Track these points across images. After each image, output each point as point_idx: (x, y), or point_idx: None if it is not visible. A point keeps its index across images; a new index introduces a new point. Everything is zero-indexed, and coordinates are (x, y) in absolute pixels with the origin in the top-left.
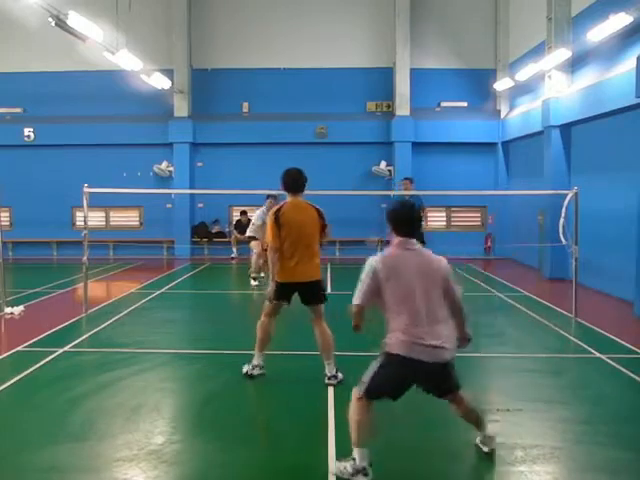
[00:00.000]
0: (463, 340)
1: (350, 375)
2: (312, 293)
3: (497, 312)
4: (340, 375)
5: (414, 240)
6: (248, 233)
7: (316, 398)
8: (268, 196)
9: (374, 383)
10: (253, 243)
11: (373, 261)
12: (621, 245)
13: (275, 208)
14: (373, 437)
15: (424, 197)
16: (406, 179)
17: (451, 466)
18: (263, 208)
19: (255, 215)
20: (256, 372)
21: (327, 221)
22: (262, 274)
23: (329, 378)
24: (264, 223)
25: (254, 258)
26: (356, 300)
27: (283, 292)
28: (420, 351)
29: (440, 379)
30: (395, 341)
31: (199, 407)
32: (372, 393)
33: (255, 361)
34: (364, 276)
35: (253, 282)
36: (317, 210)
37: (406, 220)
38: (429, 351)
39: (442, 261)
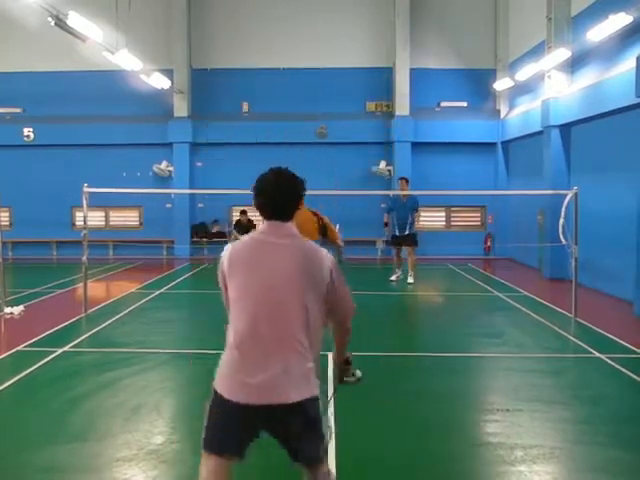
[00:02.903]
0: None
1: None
2: None
3: (497, 312)
4: (358, 372)
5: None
6: None
7: None
8: None
9: None
10: None
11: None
12: (621, 245)
13: None
14: None
15: (424, 197)
16: (403, 178)
17: (451, 466)
18: None
19: None
20: None
21: (328, 221)
22: None
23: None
24: None
25: None
26: None
27: None
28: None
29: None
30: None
31: (199, 407)
32: None
33: None
34: None
35: None
36: (312, 212)
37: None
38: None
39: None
